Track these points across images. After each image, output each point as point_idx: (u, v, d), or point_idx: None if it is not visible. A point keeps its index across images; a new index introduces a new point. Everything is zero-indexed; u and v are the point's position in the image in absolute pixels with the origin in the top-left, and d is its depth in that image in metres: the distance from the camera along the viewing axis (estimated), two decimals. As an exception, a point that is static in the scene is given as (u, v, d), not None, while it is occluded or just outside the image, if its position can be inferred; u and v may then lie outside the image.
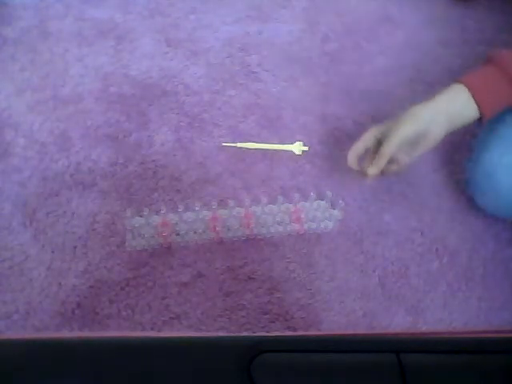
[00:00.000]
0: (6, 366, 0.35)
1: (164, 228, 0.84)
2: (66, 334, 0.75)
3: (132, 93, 1.04)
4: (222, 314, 0.80)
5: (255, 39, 1.15)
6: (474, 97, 0.74)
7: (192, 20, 1.18)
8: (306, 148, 0.98)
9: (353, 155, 0.82)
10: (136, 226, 0.84)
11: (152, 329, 0.78)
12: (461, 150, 0.99)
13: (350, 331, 0.80)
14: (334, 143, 1.00)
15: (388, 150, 0.77)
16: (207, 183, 0.93)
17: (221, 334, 0.77)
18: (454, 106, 0.75)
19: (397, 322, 0.81)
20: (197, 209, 0.86)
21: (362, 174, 0.82)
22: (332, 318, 0.80)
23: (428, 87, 1.10)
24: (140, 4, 1.20)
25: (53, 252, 0.83)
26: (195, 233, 0.84)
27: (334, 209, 0.88)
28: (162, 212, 0.85)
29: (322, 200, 0.89)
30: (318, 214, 0.87)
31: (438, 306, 0.83)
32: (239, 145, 0.97)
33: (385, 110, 1.06)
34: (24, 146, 0.95)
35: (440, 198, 0.95)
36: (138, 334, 0.75)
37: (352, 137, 1.01)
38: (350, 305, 0.82)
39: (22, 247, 0.83)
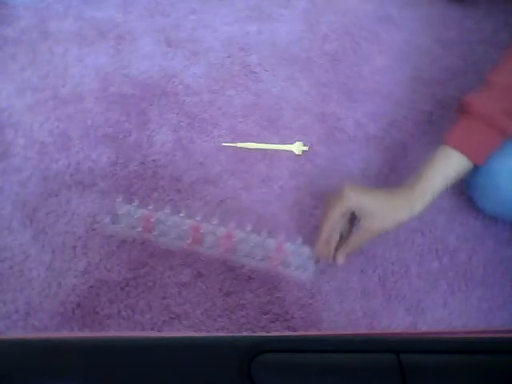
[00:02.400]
0: (6, 366, 0.35)
1: (144, 223, 0.83)
2: (65, 334, 0.75)
3: (132, 93, 1.04)
4: (222, 314, 0.80)
5: (255, 39, 1.15)
6: (466, 156, 0.75)
7: (192, 20, 1.18)
8: (306, 148, 0.98)
9: (321, 245, 0.79)
10: (119, 212, 0.83)
11: (152, 329, 0.78)
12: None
13: (349, 331, 0.80)
14: (334, 143, 1.00)
15: (361, 241, 0.79)
16: (207, 183, 0.93)
17: (221, 334, 0.77)
18: (451, 173, 0.76)
19: (397, 322, 0.81)
20: (181, 215, 0.83)
21: (332, 259, 0.81)
22: (332, 318, 0.80)
23: (428, 87, 1.10)
24: (140, 4, 1.20)
25: (53, 252, 0.83)
26: (170, 238, 0.83)
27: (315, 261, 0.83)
28: (149, 208, 0.83)
29: (308, 247, 0.82)
30: (300, 260, 0.82)
31: (438, 305, 0.83)
32: (239, 145, 0.97)
33: (385, 110, 1.06)
34: (24, 145, 0.95)
35: (440, 198, 0.95)
36: (137, 334, 0.75)
37: (352, 137, 1.01)
38: (349, 305, 0.82)
39: (22, 247, 0.83)
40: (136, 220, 0.83)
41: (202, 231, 0.82)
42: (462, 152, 0.74)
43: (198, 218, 0.83)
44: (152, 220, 0.83)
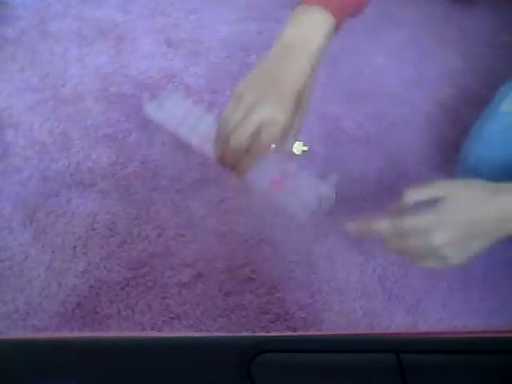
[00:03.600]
0: (6, 366, 0.35)
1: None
2: (65, 333, 0.75)
3: (132, 93, 1.04)
4: (222, 314, 0.80)
5: (255, 39, 1.15)
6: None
7: (192, 20, 1.18)
8: (306, 148, 0.97)
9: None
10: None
11: (152, 329, 0.78)
12: (460, 149, 0.99)
13: (349, 331, 0.80)
14: (334, 143, 1.00)
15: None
16: (207, 183, 0.92)
17: (221, 334, 0.77)
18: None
19: (397, 322, 0.81)
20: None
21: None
22: (332, 318, 0.80)
23: (428, 87, 1.10)
24: (140, 4, 1.20)
25: (53, 252, 0.83)
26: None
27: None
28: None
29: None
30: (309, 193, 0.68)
31: (438, 305, 0.83)
32: (239, 145, 0.97)
33: (385, 110, 1.06)
34: (24, 146, 0.95)
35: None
36: (137, 333, 0.75)
37: (352, 137, 1.01)
38: (350, 305, 0.82)
39: (22, 247, 0.83)
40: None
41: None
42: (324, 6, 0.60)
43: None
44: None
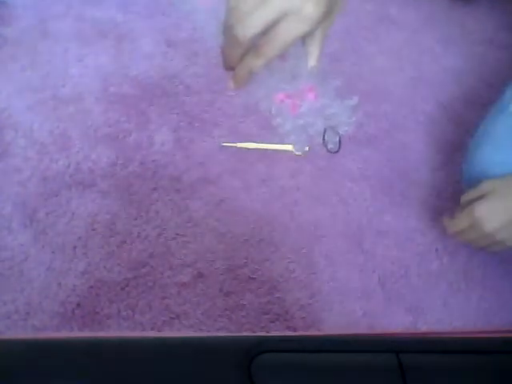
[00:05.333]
0: (6, 366, 0.35)
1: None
2: (65, 333, 0.75)
3: (132, 93, 1.04)
4: (222, 314, 0.80)
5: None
6: None
7: (192, 20, 1.18)
8: (306, 148, 0.97)
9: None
10: None
11: (152, 329, 0.78)
12: (461, 150, 0.98)
13: (349, 331, 0.80)
14: (334, 143, 1.00)
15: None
16: (207, 183, 0.93)
17: (221, 334, 0.77)
18: None
19: (397, 322, 0.81)
20: None
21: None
22: (332, 318, 0.80)
23: (428, 87, 1.10)
24: (140, 4, 1.20)
25: (53, 252, 0.83)
26: None
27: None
28: None
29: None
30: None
31: (438, 305, 0.83)
32: (239, 145, 0.97)
33: (385, 110, 1.06)
34: (24, 146, 0.95)
35: (440, 198, 0.95)
36: (138, 334, 0.75)
37: (352, 137, 1.01)
38: (350, 305, 0.82)
39: (22, 247, 0.83)
40: None
41: None
42: None
43: None
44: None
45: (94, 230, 0.86)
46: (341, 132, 0.55)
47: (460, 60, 1.15)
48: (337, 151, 0.55)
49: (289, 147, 0.97)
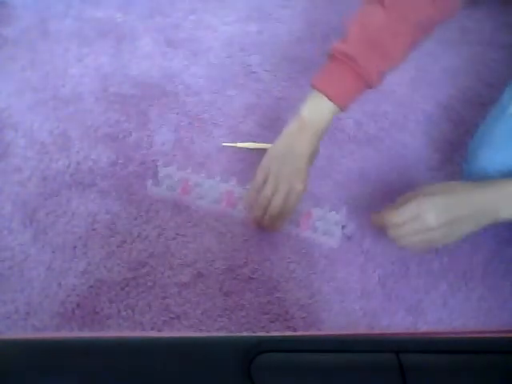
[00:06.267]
0: (6, 366, 0.35)
1: (183, 185, 0.88)
2: (65, 333, 0.75)
3: (132, 93, 1.04)
4: (222, 314, 0.80)
5: (255, 39, 1.15)
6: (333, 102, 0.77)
7: (192, 20, 1.18)
8: None
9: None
10: (160, 175, 0.90)
11: (152, 329, 0.78)
12: (461, 149, 0.99)
13: (349, 331, 0.80)
14: (334, 143, 1.00)
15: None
16: (207, 183, 0.92)
17: (221, 334, 0.77)
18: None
19: (397, 322, 0.81)
20: (217, 179, 0.89)
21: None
22: (332, 318, 0.80)
23: (428, 87, 1.10)
24: (140, 4, 1.20)
25: (53, 252, 0.83)
26: (206, 201, 0.88)
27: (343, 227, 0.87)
28: (188, 171, 0.90)
29: (337, 213, 0.87)
30: (327, 226, 0.86)
31: (438, 305, 0.83)
32: (239, 145, 0.97)
33: (385, 110, 1.06)
34: (24, 146, 0.95)
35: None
36: (137, 334, 0.75)
37: (352, 137, 1.01)
38: (350, 305, 0.82)
39: (22, 247, 0.83)
40: (176, 182, 0.89)
41: (235, 195, 0.87)
42: (325, 94, 0.77)
43: (232, 183, 0.89)
44: (190, 183, 0.88)
45: (94, 229, 0.86)
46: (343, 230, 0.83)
47: (459, 60, 1.15)
48: None
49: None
